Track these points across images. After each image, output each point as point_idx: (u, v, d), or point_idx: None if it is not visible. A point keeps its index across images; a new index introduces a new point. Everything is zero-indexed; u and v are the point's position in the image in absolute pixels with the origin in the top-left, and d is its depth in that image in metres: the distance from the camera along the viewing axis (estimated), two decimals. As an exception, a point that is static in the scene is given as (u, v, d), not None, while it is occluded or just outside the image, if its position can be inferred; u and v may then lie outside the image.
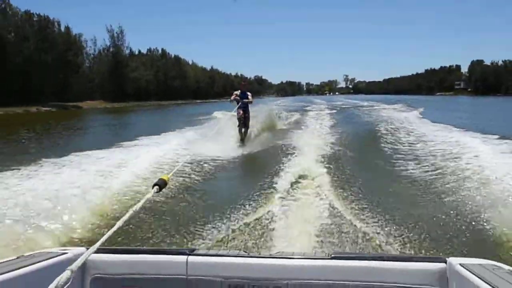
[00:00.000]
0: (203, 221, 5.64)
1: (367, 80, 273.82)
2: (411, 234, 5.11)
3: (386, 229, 5.27)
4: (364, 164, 10.00)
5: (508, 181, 6.72)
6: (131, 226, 5.19)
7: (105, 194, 6.77)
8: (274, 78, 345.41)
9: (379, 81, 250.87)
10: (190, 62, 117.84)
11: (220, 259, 2.14)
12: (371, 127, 17.74)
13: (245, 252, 2.40)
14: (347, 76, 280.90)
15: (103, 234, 1.65)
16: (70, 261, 1.86)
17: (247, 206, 6.21)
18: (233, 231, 5.27)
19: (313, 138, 14.19)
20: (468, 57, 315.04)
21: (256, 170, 9.57)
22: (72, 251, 2.12)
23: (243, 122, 13.90)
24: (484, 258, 2.15)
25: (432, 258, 2.16)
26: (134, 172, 8.28)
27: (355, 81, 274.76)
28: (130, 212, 1.82)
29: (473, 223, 5.47)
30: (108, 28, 80.00)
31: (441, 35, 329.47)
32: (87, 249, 1.87)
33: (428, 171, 8.83)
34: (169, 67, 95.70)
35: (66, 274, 1.23)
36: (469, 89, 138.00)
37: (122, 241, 4.69)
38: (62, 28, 59.32)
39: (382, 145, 12.85)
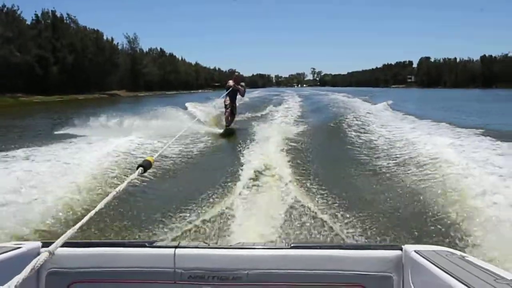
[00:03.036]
0: (163, 213, 5.55)
1: (333, 73, 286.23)
2: (370, 224, 5.17)
3: (345, 219, 5.31)
4: (326, 153, 10.37)
5: (462, 170, 6.82)
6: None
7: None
8: (246, 70, 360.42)
9: (344, 74, 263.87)
10: (180, 58, 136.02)
11: (180, 250, 2.09)
12: (332, 118, 17.44)
13: (206, 243, 2.45)
14: (314, 69, 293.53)
15: (64, 227, 1.85)
16: (24, 255, 1.91)
17: (208, 197, 6.09)
18: (194, 223, 5.16)
19: (280, 126, 14.81)
20: (421, 54, 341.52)
21: (223, 158, 9.71)
22: (27, 245, 2.03)
23: (230, 109, 14.50)
24: (438, 245, 2.25)
25: (389, 246, 2.18)
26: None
27: (322, 74, 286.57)
28: (110, 196, 1.77)
29: (429, 211, 5.54)
30: (125, 35, 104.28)
31: (399, 32, 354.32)
32: (43, 243, 2.00)
33: (386, 160, 8.89)
34: (166, 63, 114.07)
35: (26, 270, 1.13)
36: (417, 82, 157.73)
37: (82, 235, 4.32)
38: (104, 38, 79.41)
39: (343, 135, 13.04)
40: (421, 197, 6.16)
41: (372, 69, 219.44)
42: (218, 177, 7.35)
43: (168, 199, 6.43)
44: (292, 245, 2.18)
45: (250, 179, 6.95)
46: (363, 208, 5.74)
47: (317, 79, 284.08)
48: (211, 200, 6.09)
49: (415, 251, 2.00)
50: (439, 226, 5.11)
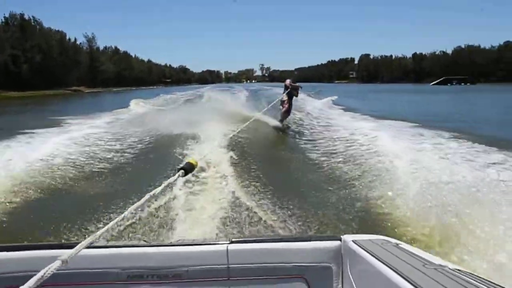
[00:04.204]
0: (96, 212, 5.39)
1: (281, 69, 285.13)
2: (310, 216, 5.28)
3: (286, 212, 5.41)
4: (269, 149, 10.54)
5: (398, 164, 7.24)
6: (5, 220, 5.22)
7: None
8: (195, 67, 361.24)
9: (291, 70, 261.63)
10: (134, 56, 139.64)
11: (118, 250, 2.04)
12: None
13: (146, 241, 2.45)
14: (263, 65, 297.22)
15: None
16: None
17: (146, 193, 4.05)
18: (133, 221, 5.00)
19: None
20: (362, 50, 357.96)
21: (161, 155, 9.29)
22: None
23: (288, 107, 14.91)
24: (376, 234, 2.28)
25: (329, 237, 2.19)
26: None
27: (271, 70, 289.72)
28: (144, 199, 1.75)
29: (367, 203, 5.75)
30: (85, 35, 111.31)
31: (343, 29, 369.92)
32: None
33: (327, 155, 9.12)
34: (121, 61, 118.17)
35: None
36: (358, 78, 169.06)
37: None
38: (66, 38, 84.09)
39: (287, 130, 13.74)
40: (360, 191, 6.36)
41: (317, 65, 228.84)
42: (158, 172, 7.45)
43: (104, 197, 6.23)
44: (232, 240, 2.15)
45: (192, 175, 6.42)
46: (304, 201, 5.88)
47: (266, 74, 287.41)
48: (149, 199, 5.74)
49: (353, 241, 2.04)
50: (377, 216, 5.31)
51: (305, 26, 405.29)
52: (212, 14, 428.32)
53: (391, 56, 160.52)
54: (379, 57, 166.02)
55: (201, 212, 5.45)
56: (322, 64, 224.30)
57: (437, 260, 1.72)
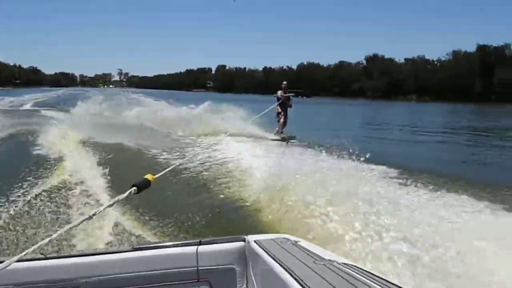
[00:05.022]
0: None
1: (140, 75, 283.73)
2: (208, 220, 5.73)
3: (185, 218, 5.89)
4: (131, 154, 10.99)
5: (258, 171, 8.28)
6: None
7: None
8: (47, 68, 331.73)
9: (151, 77, 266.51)
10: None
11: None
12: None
13: (42, 254, 2.19)
14: (121, 70, 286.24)
15: None
16: None
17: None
18: (28, 233, 4.89)
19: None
20: (220, 61, 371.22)
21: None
22: None
23: (284, 118, 15.22)
24: (279, 233, 2.39)
25: (233, 238, 2.23)
26: None
27: (129, 75, 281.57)
28: (85, 217, 1.64)
29: (260, 205, 6.44)
30: None
31: (201, 37, 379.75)
32: None
33: (200, 164, 9.72)
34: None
35: None
36: (215, 88, 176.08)
37: None
38: None
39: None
40: (237, 195, 7.09)
41: (177, 73, 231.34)
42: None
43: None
44: (134, 247, 2.13)
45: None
46: (194, 207, 6.40)
47: (124, 80, 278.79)
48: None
49: (255, 241, 2.09)
50: (282, 217, 5.79)
51: (165, 34, 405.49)
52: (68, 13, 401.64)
53: (245, 68, 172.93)
54: (234, 69, 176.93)
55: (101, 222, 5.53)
56: (181, 72, 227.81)
57: (328, 255, 1.85)
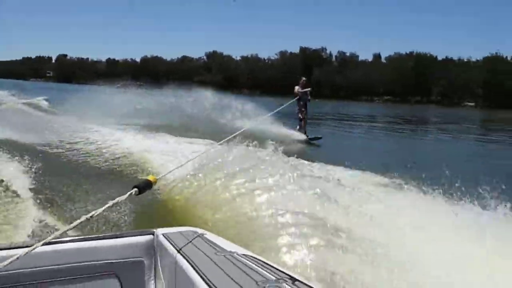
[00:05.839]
0: None
1: None
2: (119, 214, 5.32)
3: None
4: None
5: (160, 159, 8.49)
6: None
7: None
8: None
9: None
10: None
11: None
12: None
13: None
14: None
15: None
16: None
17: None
18: None
19: None
20: (61, 50, 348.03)
21: None
22: None
23: (304, 117, 14.86)
24: (187, 225, 2.37)
25: (142, 232, 2.24)
26: None
27: None
28: (83, 218, 1.70)
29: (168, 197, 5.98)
30: None
31: (38, 25, 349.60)
32: None
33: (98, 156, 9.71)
34: None
35: None
36: (55, 77, 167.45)
37: None
38: None
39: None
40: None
41: (12, 60, 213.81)
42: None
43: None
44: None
45: None
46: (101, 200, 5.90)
47: None
48: None
49: (163, 234, 2.12)
50: (186, 211, 5.47)
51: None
52: None
53: (88, 58, 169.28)
54: (76, 59, 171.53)
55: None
56: (17, 60, 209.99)
57: (230, 247, 1.91)
